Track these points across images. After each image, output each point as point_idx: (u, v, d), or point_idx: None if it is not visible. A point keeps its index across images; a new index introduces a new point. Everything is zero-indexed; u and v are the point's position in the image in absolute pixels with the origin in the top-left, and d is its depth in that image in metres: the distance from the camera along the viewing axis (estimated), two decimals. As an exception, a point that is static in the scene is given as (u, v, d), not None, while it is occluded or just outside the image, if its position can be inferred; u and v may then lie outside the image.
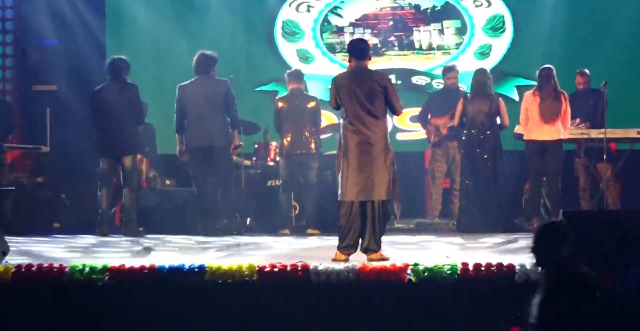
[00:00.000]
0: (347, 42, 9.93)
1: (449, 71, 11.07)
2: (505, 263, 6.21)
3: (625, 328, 5.14)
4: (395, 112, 7.48)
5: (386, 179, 7.26)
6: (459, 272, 6.16)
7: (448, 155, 10.89)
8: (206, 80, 9.76)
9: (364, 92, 7.27)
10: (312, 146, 10.04)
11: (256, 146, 10.86)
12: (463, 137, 10.11)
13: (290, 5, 12.56)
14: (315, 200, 10.06)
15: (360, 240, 7.24)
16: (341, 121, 7.52)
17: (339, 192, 7.33)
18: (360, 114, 7.27)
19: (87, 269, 6.34)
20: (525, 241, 8.59)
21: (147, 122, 10.65)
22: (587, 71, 10.53)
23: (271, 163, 10.72)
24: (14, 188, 10.40)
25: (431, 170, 11.06)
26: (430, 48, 12.34)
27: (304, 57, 12.47)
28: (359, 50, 7.45)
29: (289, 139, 10.09)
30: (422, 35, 12.33)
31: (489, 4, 12.21)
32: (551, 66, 9.87)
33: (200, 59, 9.80)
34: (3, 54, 12.43)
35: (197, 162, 9.76)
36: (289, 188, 10.19)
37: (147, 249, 8.06)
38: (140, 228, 9.71)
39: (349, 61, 7.51)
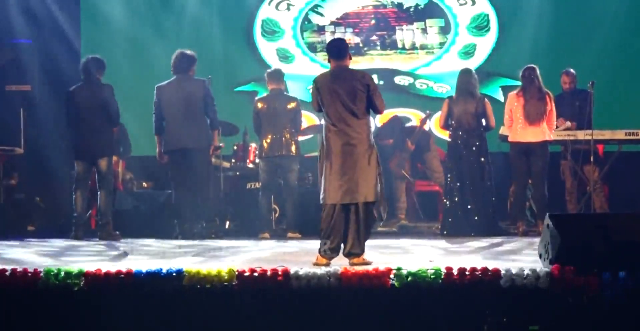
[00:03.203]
0: (327, 41, 9.81)
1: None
2: (490, 268, 6.10)
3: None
4: (378, 111, 7.33)
5: (371, 181, 7.08)
6: (443, 277, 6.05)
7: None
8: (184, 80, 9.64)
9: (346, 92, 7.12)
10: (293, 147, 9.91)
11: (235, 147, 10.81)
12: (449, 139, 9.99)
13: (269, 3, 12.46)
14: (296, 203, 9.94)
15: (343, 244, 7.09)
16: (323, 122, 7.35)
17: (322, 195, 7.16)
18: (343, 115, 7.11)
19: (62, 274, 6.22)
20: (510, 244, 8.54)
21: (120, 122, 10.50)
22: (572, 70, 10.39)
23: (250, 165, 10.65)
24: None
25: None
26: (413, 47, 12.26)
27: (284, 56, 12.36)
28: (337, 50, 7.31)
29: (268, 140, 9.95)
30: (405, 34, 12.24)
31: (474, 3, 12.14)
32: (534, 66, 9.75)
33: (179, 59, 9.68)
34: (-25, 54, 12.30)
35: (176, 164, 9.65)
36: (269, 190, 10.07)
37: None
38: (117, 232, 9.61)
39: (329, 61, 7.38)
